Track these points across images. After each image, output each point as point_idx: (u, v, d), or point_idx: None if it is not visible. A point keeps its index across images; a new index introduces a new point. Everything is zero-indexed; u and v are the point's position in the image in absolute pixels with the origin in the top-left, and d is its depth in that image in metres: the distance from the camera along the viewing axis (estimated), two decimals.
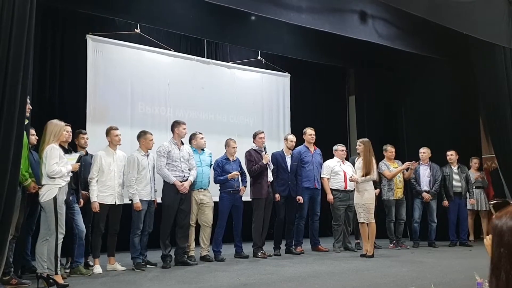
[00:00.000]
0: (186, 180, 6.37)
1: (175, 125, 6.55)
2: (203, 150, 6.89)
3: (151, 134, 6.39)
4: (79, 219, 5.71)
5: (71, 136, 5.86)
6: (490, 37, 8.14)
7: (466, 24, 7.73)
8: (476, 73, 8.97)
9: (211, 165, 6.94)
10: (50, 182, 4.93)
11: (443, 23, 7.53)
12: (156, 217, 6.42)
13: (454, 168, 8.58)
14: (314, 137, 7.80)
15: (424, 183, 8.42)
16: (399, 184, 8.18)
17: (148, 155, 6.32)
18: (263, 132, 7.33)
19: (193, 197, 6.63)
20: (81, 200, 5.91)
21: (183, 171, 6.38)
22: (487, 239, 2.79)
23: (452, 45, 8.87)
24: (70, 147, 5.81)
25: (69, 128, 5.74)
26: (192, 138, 6.88)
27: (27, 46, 4.76)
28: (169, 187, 6.33)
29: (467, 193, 8.59)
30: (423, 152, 8.51)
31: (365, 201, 7.01)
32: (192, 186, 6.53)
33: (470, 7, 7.67)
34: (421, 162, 8.45)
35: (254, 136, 7.28)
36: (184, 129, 6.51)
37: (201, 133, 6.91)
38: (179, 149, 6.44)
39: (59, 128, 5.10)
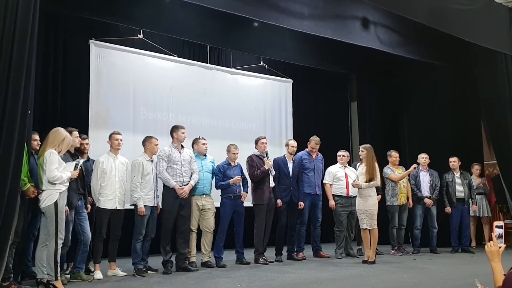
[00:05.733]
0: (187, 184, 6.37)
1: (173, 129, 6.55)
2: (205, 155, 6.88)
3: (157, 139, 6.39)
4: (86, 226, 5.72)
5: (79, 141, 5.85)
6: (491, 44, 8.15)
7: (467, 31, 7.75)
8: (477, 80, 8.98)
9: (213, 172, 6.93)
10: (50, 187, 4.94)
11: (445, 30, 7.55)
12: (157, 222, 6.42)
13: (457, 174, 8.57)
14: (317, 149, 7.76)
15: (425, 189, 8.40)
16: (403, 190, 8.17)
17: (152, 161, 6.32)
18: (265, 138, 7.33)
19: (195, 202, 6.62)
20: (89, 206, 5.92)
21: (183, 175, 6.36)
22: (489, 246, 2.81)
23: (453, 51, 8.89)
24: (77, 152, 5.81)
25: (76, 133, 5.74)
26: (194, 143, 6.88)
27: (30, 51, 4.78)
28: (168, 192, 6.31)
29: (470, 199, 8.56)
30: (424, 158, 8.48)
31: (369, 207, 6.99)
32: (193, 191, 6.53)
33: (471, 14, 7.68)
34: (420, 168, 8.43)
35: (256, 142, 7.27)
36: (183, 133, 6.50)
37: (204, 138, 6.89)
38: (180, 152, 6.44)
39: (62, 137, 5.10)
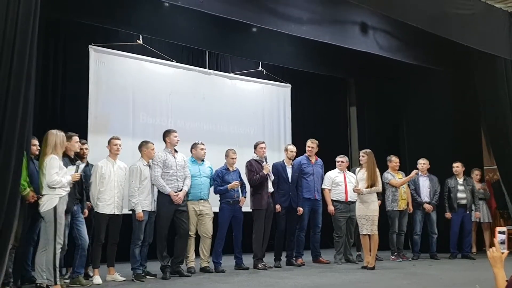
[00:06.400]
0: (181, 190, 6.35)
1: (166, 134, 6.54)
2: (203, 161, 6.86)
3: (153, 144, 6.38)
4: (83, 230, 5.69)
5: (79, 146, 5.84)
6: (491, 49, 8.17)
7: (467, 36, 7.77)
8: (477, 84, 9.00)
9: (211, 177, 6.90)
10: (50, 192, 4.94)
11: (444, 35, 7.57)
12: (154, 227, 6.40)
13: (460, 180, 8.52)
14: (313, 150, 7.73)
15: (425, 194, 8.37)
16: (403, 195, 8.15)
17: (149, 165, 6.31)
18: (264, 142, 7.31)
19: (192, 207, 6.60)
20: (86, 210, 5.89)
21: (178, 180, 6.34)
22: (491, 252, 2.80)
23: (453, 56, 8.91)
24: (76, 157, 5.80)
25: (77, 138, 5.74)
26: (192, 147, 6.87)
27: (30, 57, 4.79)
28: (163, 198, 6.29)
29: (473, 205, 8.54)
30: (423, 163, 8.47)
31: (370, 212, 6.95)
32: (187, 195, 6.50)
33: (471, 18, 7.71)
34: (420, 173, 8.42)
35: (255, 146, 7.26)
36: (175, 136, 6.48)
37: (202, 144, 6.87)
38: (174, 157, 6.43)
39: (59, 138, 5.10)
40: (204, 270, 6.64)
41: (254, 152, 7.24)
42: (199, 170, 6.73)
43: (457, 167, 8.55)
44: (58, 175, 4.95)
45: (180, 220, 6.34)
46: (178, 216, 6.32)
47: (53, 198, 4.93)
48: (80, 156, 6.02)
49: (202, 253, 6.72)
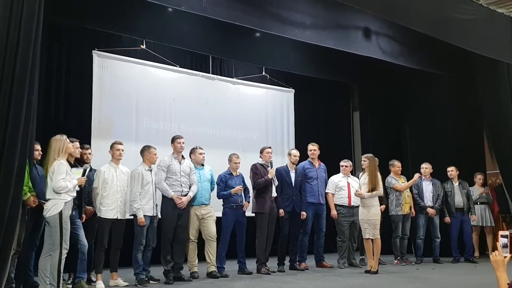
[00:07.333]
0: (186, 195, 6.37)
1: (172, 140, 6.60)
2: (203, 165, 6.86)
3: (155, 149, 6.40)
4: (82, 234, 5.70)
5: (79, 152, 5.87)
6: (493, 54, 8.18)
7: (469, 41, 7.78)
8: (479, 88, 9.00)
9: (211, 181, 6.91)
10: (56, 197, 4.95)
11: (446, 40, 7.58)
12: (157, 232, 6.40)
13: (456, 184, 8.53)
14: (315, 152, 7.76)
15: (428, 198, 8.37)
16: (407, 199, 8.16)
17: (151, 170, 6.32)
18: (270, 148, 7.32)
19: (194, 213, 6.58)
20: (83, 216, 5.89)
21: (181, 185, 6.36)
22: (494, 255, 2.80)
23: (455, 61, 8.92)
24: (77, 163, 5.82)
25: (77, 144, 5.76)
26: (191, 152, 6.88)
27: (33, 61, 4.80)
28: (167, 202, 6.30)
29: (469, 209, 8.53)
30: (425, 168, 8.46)
31: (371, 216, 6.95)
32: (192, 201, 6.51)
33: (473, 23, 7.72)
34: (423, 178, 8.41)
35: (262, 151, 7.27)
36: (179, 143, 6.50)
37: (201, 148, 6.87)
38: (180, 163, 6.45)
39: (62, 143, 5.12)
40: (211, 275, 6.54)
41: (260, 157, 7.26)
42: (199, 175, 6.72)
43: (452, 171, 8.56)
44: (64, 181, 4.97)
45: (179, 225, 6.33)
46: (178, 222, 6.32)
47: (58, 203, 4.93)
48: (82, 161, 6.03)
49: (208, 257, 6.62)
